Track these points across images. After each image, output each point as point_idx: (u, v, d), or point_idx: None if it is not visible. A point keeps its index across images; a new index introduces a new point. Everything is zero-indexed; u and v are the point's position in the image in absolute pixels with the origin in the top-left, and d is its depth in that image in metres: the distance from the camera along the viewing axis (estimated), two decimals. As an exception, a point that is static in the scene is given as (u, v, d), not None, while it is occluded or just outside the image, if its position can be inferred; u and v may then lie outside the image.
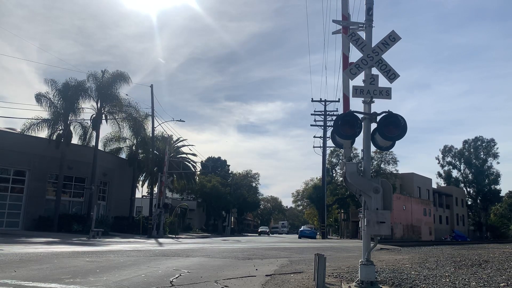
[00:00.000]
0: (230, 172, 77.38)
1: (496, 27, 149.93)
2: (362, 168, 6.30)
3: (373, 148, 6.57)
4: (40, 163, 30.86)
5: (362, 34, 6.67)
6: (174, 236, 34.38)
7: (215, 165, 69.69)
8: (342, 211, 65.09)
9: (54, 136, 31.55)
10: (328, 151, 50.91)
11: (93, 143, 33.89)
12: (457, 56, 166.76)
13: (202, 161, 62.18)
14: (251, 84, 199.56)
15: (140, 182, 47.04)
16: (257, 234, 67.35)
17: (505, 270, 8.02)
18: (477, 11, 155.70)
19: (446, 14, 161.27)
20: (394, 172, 57.72)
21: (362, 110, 6.35)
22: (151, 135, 37.69)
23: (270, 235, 72.70)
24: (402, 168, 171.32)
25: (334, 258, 12.32)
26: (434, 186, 77.30)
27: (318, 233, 55.65)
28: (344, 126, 6.13)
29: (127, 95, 42.54)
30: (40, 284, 6.05)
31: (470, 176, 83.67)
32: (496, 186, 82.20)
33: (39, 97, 30.82)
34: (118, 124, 35.85)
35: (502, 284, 6.27)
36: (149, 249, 14.80)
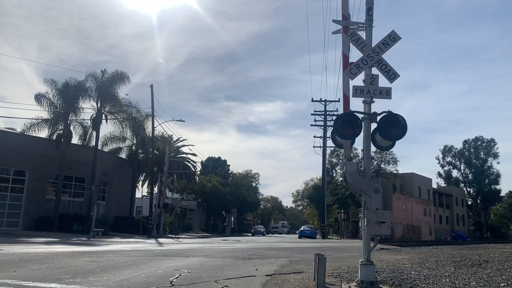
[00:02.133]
0: (230, 172, 77.38)
1: (495, 27, 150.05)
2: (362, 168, 6.30)
3: (373, 148, 6.57)
4: (40, 163, 30.86)
5: (362, 34, 6.66)
6: (174, 236, 34.38)
7: (215, 165, 69.65)
8: (342, 211, 65.10)
9: (54, 136, 31.57)
10: (328, 151, 50.94)
11: (93, 143, 33.91)
12: (456, 56, 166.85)
13: (202, 161, 62.19)
14: (250, 84, 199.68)
15: (140, 182, 47.08)
16: (251, 234, 62.49)
17: (505, 270, 8.01)
18: (476, 11, 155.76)
19: (445, 13, 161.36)
20: (394, 172, 57.72)
21: (362, 110, 6.35)
22: (151, 135, 37.70)
23: (270, 235, 72.59)
24: (402, 168, 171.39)
25: (334, 258, 12.32)
26: (434, 186, 77.35)
27: (318, 233, 55.68)
28: (344, 126, 6.13)
29: (127, 95, 42.60)
30: (40, 284, 6.05)
31: (470, 176, 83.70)
32: (496, 186, 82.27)
33: (38, 97, 30.83)
34: (121, 124, 35.89)
35: (502, 284, 6.27)
36: (149, 249, 14.80)
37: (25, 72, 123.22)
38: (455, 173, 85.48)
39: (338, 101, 41.54)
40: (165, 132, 42.34)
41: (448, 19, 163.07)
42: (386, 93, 6.32)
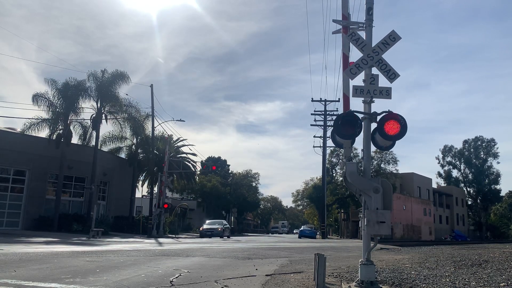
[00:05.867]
0: (230, 172, 77.42)
1: (494, 26, 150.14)
2: (362, 168, 6.30)
3: (373, 148, 6.56)
4: (40, 163, 30.86)
5: (362, 34, 6.66)
6: (174, 236, 34.38)
7: (215, 165, 69.66)
8: (342, 211, 65.14)
9: (54, 135, 31.57)
10: (328, 151, 50.98)
11: (93, 142, 33.92)
12: (455, 55, 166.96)
13: (202, 161, 62.19)
14: (250, 84, 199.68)
15: (140, 182, 47.12)
16: (199, 236, 35.79)
17: (505, 270, 8.01)
18: (475, 11, 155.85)
19: (444, 13, 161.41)
20: (394, 172, 57.76)
21: (362, 110, 6.35)
22: (151, 134, 37.70)
23: (270, 235, 72.28)
24: (402, 168, 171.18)
25: (334, 258, 12.31)
26: (434, 186, 77.36)
27: (318, 233, 55.70)
28: (344, 126, 6.12)
29: (127, 94, 42.59)
30: (40, 284, 6.05)
31: (470, 176, 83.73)
32: (496, 186, 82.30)
33: (36, 98, 30.70)
34: (120, 124, 35.90)
35: (502, 284, 6.27)
36: (149, 249, 14.80)
37: (25, 72, 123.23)
38: (455, 173, 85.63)
39: (338, 101, 41.62)
40: (165, 132, 42.44)
41: (447, 19, 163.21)
42: (386, 93, 6.31)
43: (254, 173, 78.71)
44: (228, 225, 40.32)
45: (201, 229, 36.67)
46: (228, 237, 35.81)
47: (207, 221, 39.95)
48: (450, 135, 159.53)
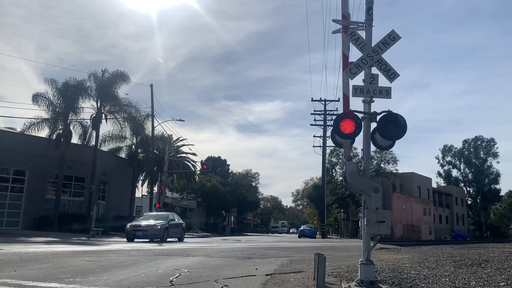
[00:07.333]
0: (230, 171, 77.43)
1: (493, 26, 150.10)
2: (362, 168, 6.30)
3: (373, 148, 6.57)
4: (40, 162, 30.85)
5: (362, 34, 6.66)
6: (174, 235, 34.25)
7: (215, 165, 69.70)
8: (342, 211, 65.16)
9: (54, 135, 31.56)
10: (328, 150, 51.06)
11: (93, 142, 33.91)
12: (454, 55, 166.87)
13: (202, 161, 62.26)
14: (249, 84, 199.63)
15: (140, 182, 47.11)
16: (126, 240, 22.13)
17: (504, 269, 8.01)
18: (474, 11, 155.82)
19: (443, 13, 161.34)
20: (394, 171, 57.81)
21: (362, 110, 6.35)
22: (151, 134, 37.70)
23: (270, 234, 72.02)
24: (402, 167, 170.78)
25: (334, 257, 12.31)
26: (434, 185, 77.41)
27: (318, 233, 55.73)
28: (344, 126, 6.13)
29: (126, 94, 42.55)
30: (40, 284, 6.05)
31: (470, 176, 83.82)
32: (496, 186, 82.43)
33: (36, 98, 30.71)
34: (120, 123, 35.91)
35: (502, 284, 6.27)
36: (149, 249, 14.80)
37: (24, 72, 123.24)
38: (455, 172, 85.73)
39: (338, 100, 41.71)
40: (164, 132, 42.51)
41: (446, 18, 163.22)
42: (386, 93, 6.31)
43: (254, 173, 78.86)
44: (179, 221, 24.99)
45: (128, 226, 22.30)
46: (180, 239, 23.90)
47: (144, 214, 27.51)
48: (450, 135, 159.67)
